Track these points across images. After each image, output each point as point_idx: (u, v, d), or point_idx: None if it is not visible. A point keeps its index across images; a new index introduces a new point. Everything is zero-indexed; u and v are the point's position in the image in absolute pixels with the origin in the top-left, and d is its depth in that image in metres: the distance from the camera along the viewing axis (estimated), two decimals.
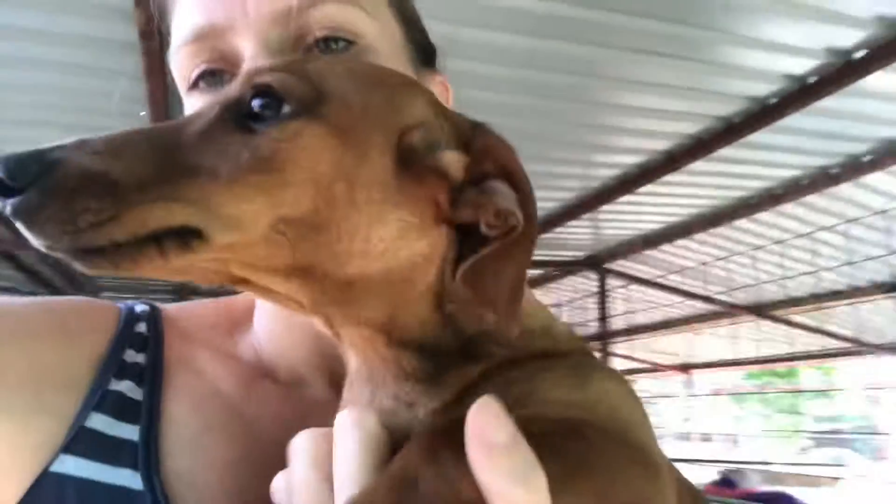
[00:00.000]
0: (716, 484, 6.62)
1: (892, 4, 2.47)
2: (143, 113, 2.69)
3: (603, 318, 6.31)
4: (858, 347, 6.41)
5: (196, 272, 0.39)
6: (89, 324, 0.57)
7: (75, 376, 0.53)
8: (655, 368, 9.58)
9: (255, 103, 0.38)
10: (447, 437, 0.31)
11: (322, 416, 0.49)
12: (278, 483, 0.40)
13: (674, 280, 5.90)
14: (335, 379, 0.56)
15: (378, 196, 0.39)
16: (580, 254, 5.86)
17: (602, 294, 6.19)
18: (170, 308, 0.63)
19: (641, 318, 7.52)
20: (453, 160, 0.40)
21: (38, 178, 0.33)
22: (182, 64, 0.53)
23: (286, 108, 0.38)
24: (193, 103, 0.53)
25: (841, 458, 11.97)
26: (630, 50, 2.75)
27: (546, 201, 4.44)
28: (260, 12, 0.50)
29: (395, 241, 0.39)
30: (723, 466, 8.44)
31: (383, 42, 0.53)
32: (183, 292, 6.13)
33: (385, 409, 0.42)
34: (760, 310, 5.77)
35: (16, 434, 0.50)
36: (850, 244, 4.68)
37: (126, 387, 0.54)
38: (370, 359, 0.43)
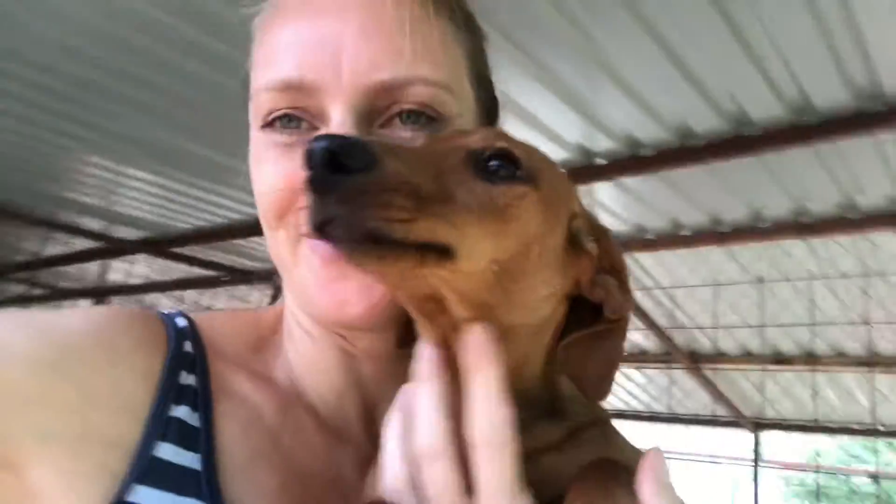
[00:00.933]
0: None
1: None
2: None
3: None
4: None
5: (419, 286, 0.44)
6: (140, 343, 0.56)
7: (131, 401, 0.53)
8: None
9: (494, 161, 0.45)
10: (613, 477, 0.41)
11: (350, 449, 0.59)
12: (393, 482, 0.46)
13: None
14: (366, 408, 0.61)
15: (553, 263, 0.47)
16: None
17: None
18: (202, 321, 0.62)
19: None
20: (594, 250, 0.50)
21: (370, 165, 0.38)
22: (263, 104, 0.55)
23: (519, 172, 0.45)
24: (263, 139, 0.56)
25: None
26: None
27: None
28: (354, 83, 0.52)
29: (548, 302, 0.48)
30: None
31: (462, 117, 0.56)
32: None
33: None
34: None
35: (64, 459, 0.49)
36: None
37: (184, 413, 0.54)
38: None
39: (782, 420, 5.55)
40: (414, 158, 0.43)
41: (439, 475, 0.43)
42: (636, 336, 5.02)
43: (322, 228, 0.40)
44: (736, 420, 5.86)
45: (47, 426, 0.49)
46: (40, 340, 0.52)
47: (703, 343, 4.57)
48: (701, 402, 5.79)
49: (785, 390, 4.53)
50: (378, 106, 0.53)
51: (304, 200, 0.41)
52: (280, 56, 0.54)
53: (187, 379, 0.56)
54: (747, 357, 4.52)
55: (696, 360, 4.67)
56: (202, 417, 0.55)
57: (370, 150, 0.39)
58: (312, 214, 0.40)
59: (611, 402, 6.34)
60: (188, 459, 0.53)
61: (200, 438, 0.54)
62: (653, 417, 6.79)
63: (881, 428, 5.34)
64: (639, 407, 6.59)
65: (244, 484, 0.54)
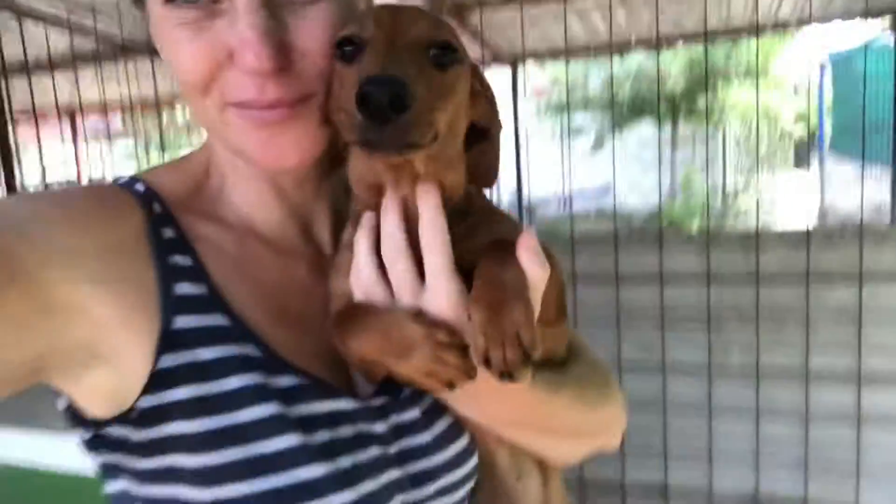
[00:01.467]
0: None
1: None
2: None
3: None
4: None
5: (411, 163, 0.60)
6: (123, 205, 0.65)
7: (138, 250, 0.63)
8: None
9: (438, 50, 0.57)
10: (504, 254, 0.59)
11: (298, 260, 0.74)
12: (363, 278, 0.62)
13: None
14: (303, 226, 0.75)
15: (466, 110, 0.62)
16: None
17: None
18: (152, 181, 0.70)
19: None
20: (480, 88, 0.65)
21: (410, 105, 0.51)
22: None
23: (455, 56, 0.58)
24: (168, 16, 0.60)
25: None
26: None
27: None
28: None
29: (463, 132, 0.63)
30: None
31: None
32: None
33: None
34: None
35: (113, 298, 0.58)
36: None
37: (178, 259, 0.65)
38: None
39: (534, 51, 6.07)
40: (413, 74, 0.53)
41: (401, 270, 0.60)
42: None
43: (369, 143, 0.54)
44: (495, 58, 6.30)
45: (93, 271, 0.58)
46: (53, 206, 0.61)
47: None
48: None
49: (536, 22, 4.85)
50: None
51: (355, 128, 0.53)
52: None
53: (168, 233, 0.66)
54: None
55: (459, 10, 4.76)
56: (191, 257, 0.66)
57: (411, 91, 0.51)
58: (364, 137, 0.53)
59: None
60: (198, 289, 0.64)
61: (198, 273, 0.65)
62: None
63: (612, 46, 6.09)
64: None
65: (233, 299, 0.66)
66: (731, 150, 14.16)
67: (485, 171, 0.68)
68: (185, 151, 0.77)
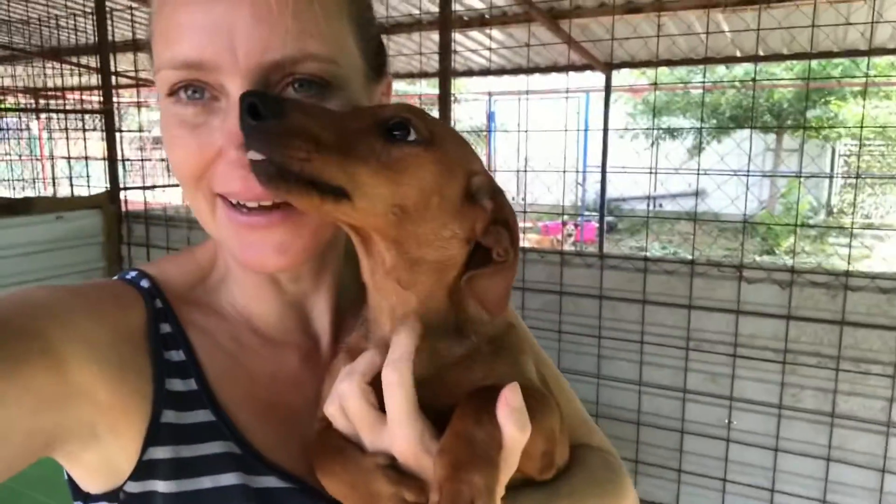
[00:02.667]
0: None
1: None
2: None
3: None
4: None
5: (329, 216, 0.57)
6: (127, 301, 0.68)
7: (138, 341, 0.66)
8: None
9: (396, 129, 0.56)
10: (483, 408, 0.54)
11: (292, 351, 0.75)
12: (332, 409, 0.60)
13: None
14: (300, 317, 0.76)
15: (450, 210, 0.58)
16: None
17: None
18: (157, 274, 0.73)
19: None
20: (489, 205, 0.60)
21: (278, 115, 0.51)
22: (166, 77, 0.62)
23: (413, 136, 0.56)
24: (172, 110, 0.63)
25: None
26: None
27: None
28: (248, 63, 0.59)
29: (448, 242, 0.59)
30: None
31: (350, 79, 0.64)
32: None
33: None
34: None
35: (115, 383, 0.61)
36: None
37: (174, 354, 0.68)
38: (398, 314, 0.61)
39: (630, 59, 5.92)
40: (323, 116, 0.54)
41: (356, 408, 0.57)
42: None
43: (244, 145, 0.53)
44: (589, 64, 6.19)
45: (103, 356, 0.61)
46: (73, 295, 0.64)
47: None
48: (558, 50, 6.00)
49: (635, 30, 4.75)
50: (272, 80, 0.60)
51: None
52: (178, 37, 0.60)
53: (165, 328, 0.69)
54: (601, 7, 4.61)
55: (555, 17, 4.71)
56: (185, 353, 0.68)
57: (281, 102, 0.52)
58: (245, 148, 0.53)
59: (472, 60, 6.47)
60: (187, 386, 0.67)
61: (189, 368, 0.68)
62: (515, 70, 7.04)
63: (715, 55, 5.85)
64: (501, 62, 6.76)
65: (224, 393, 0.68)
66: (838, 166, 13.32)
67: (493, 298, 0.63)
68: None
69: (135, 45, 5.21)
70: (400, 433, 0.55)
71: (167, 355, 0.67)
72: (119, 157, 4.63)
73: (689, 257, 3.07)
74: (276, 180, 0.52)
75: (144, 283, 0.72)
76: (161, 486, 0.63)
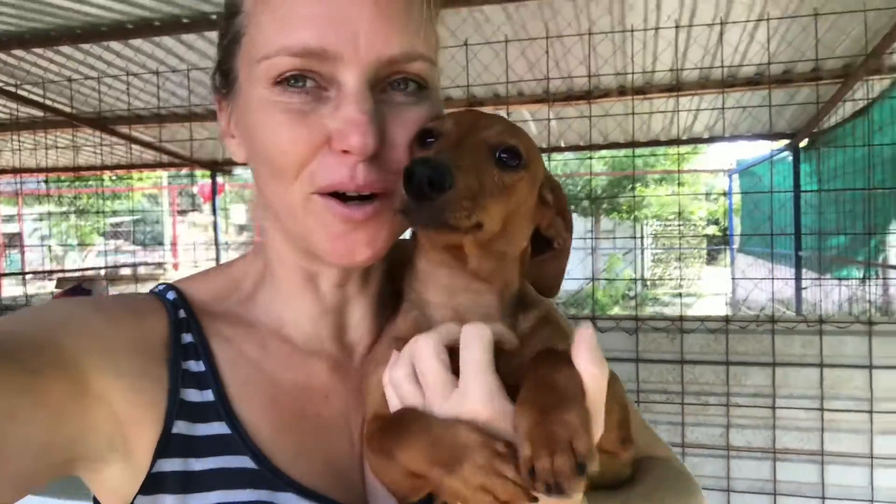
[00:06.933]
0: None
1: None
2: None
3: None
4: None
5: (459, 244, 0.60)
6: (150, 311, 0.69)
7: (156, 351, 0.66)
8: None
9: (504, 154, 0.61)
10: (557, 356, 0.55)
11: (322, 361, 0.74)
12: (399, 373, 0.59)
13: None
14: (337, 326, 0.75)
15: (529, 215, 0.66)
16: None
17: None
18: (186, 288, 0.74)
19: None
20: (551, 199, 0.69)
21: (449, 186, 0.54)
22: (277, 64, 0.61)
23: (521, 162, 0.61)
24: (273, 98, 0.62)
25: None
26: None
27: None
28: (369, 56, 0.60)
29: (525, 237, 0.67)
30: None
31: (438, 83, 0.69)
32: None
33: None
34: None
35: (131, 393, 0.61)
36: None
37: (191, 364, 0.68)
38: (480, 298, 0.65)
39: None
40: (472, 168, 0.57)
41: (429, 368, 0.56)
42: None
43: (409, 215, 0.56)
44: None
45: (118, 365, 0.61)
46: (90, 306, 0.65)
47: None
48: None
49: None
50: (381, 75, 0.62)
51: (399, 199, 0.56)
52: (298, 24, 0.60)
53: (186, 338, 0.69)
54: None
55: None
56: (205, 363, 0.68)
57: (452, 174, 0.54)
58: (407, 208, 0.56)
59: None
60: (203, 397, 0.66)
61: (208, 379, 0.67)
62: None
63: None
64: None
65: (243, 404, 0.68)
66: (647, 243, 15.00)
67: (548, 281, 0.71)
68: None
69: None
70: (475, 388, 0.53)
71: (185, 365, 0.67)
72: None
73: None
74: (432, 225, 0.57)
75: (170, 295, 0.72)
76: (170, 500, 0.62)
